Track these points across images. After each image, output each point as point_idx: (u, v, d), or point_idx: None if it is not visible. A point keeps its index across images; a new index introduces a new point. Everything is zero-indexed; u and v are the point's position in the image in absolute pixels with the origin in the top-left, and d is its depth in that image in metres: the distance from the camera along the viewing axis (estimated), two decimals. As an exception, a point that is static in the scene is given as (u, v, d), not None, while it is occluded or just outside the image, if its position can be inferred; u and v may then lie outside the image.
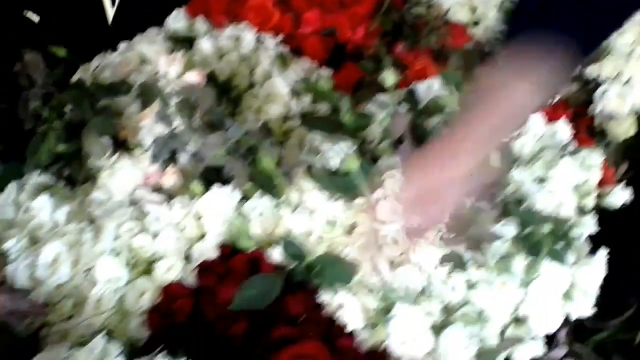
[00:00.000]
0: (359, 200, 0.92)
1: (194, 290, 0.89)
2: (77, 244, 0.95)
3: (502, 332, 0.92)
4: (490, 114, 0.76)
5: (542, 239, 0.83)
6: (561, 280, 0.89)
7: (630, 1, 0.77)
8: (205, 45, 1.17)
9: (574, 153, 0.99)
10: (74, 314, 0.93)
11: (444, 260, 0.87)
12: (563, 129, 1.03)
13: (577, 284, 0.94)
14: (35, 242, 0.96)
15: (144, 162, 1.01)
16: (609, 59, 1.18)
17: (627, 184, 1.04)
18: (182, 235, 0.94)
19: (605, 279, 0.96)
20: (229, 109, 1.10)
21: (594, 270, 0.94)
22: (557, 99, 1.12)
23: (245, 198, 0.96)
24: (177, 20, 1.23)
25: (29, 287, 0.93)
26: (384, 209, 0.91)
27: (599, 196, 1.01)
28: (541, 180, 0.96)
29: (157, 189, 1.01)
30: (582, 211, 0.98)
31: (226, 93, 1.11)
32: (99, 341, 0.80)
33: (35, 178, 1.04)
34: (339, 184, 0.90)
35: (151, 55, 1.15)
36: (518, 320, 0.93)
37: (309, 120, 1.02)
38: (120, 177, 1.01)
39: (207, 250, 0.93)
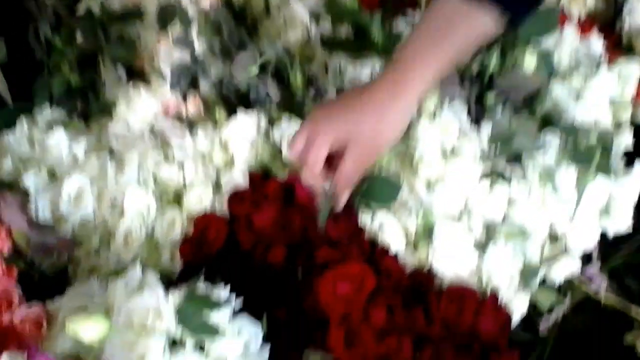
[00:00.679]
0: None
1: (227, 219, 0.86)
2: (99, 177, 0.91)
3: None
4: None
5: (592, 148, 0.80)
6: (604, 194, 0.87)
7: None
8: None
9: (610, 65, 0.96)
10: (101, 249, 0.91)
11: (485, 176, 0.85)
12: (596, 43, 1.00)
13: (614, 198, 0.92)
14: (54, 177, 0.93)
15: (163, 91, 0.97)
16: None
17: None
18: (209, 164, 0.91)
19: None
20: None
21: (631, 184, 0.92)
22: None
23: (271, 124, 0.93)
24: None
25: (52, 224, 0.90)
26: (419, 129, 0.88)
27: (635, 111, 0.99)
28: (578, 95, 0.94)
29: (178, 118, 0.97)
30: (618, 125, 0.96)
31: (242, 20, 1.06)
32: (136, 271, 0.77)
33: (48, 113, 1.00)
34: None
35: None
36: (556, 237, 0.92)
37: (334, 43, 0.97)
38: (139, 108, 0.97)
39: (236, 178, 0.90)
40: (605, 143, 0.83)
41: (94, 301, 0.72)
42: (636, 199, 0.94)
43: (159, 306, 0.72)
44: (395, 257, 0.82)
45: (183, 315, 0.70)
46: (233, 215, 0.86)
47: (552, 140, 0.85)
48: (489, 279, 0.84)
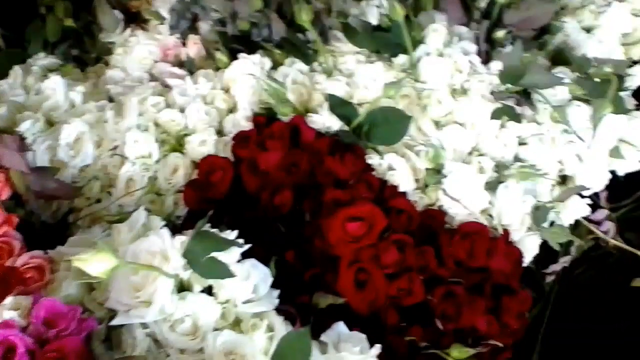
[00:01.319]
0: (400, 59, 0.87)
1: (232, 162, 0.84)
2: (98, 122, 0.89)
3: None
4: None
5: (605, 81, 0.78)
6: (616, 132, 0.86)
7: None
8: None
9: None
10: (103, 197, 0.88)
11: (495, 115, 0.83)
12: (607, -23, 0.97)
13: (625, 138, 0.90)
14: (52, 124, 0.90)
15: (162, 34, 0.94)
16: None
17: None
18: (211, 108, 0.89)
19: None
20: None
21: (642, 123, 0.91)
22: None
23: (274, 68, 0.91)
24: None
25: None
26: (427, 67, 0.86)
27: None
28: (589, 30, 0.91)
29: (178, 62, 0.94)
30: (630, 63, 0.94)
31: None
32: (140, 214, 0.75)
33: (42, 59, 0.97)
34: (380, 40, 0.84)
35: None
36: (565, 179, 0.90)
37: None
38: (137, 52, 0.94)
39: (240, 122, 0.87)
40: (619, 75, 0.81)
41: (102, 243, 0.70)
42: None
43: (165, 249, 0.70)
44: (405, 195, 0.80)
45: (190, 257, 0.68)
46: (238, 159, 0.84)
47: (564, 76, 0.83)
48: (500, 219, 0.82)
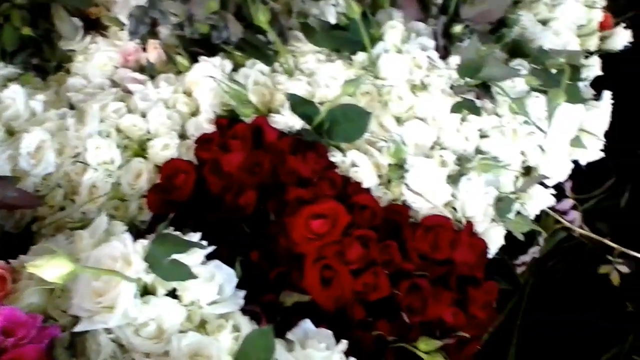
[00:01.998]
0: (359, 57, 0.87)
1: (195, 165, 0.83)
2: (59, 130, 0.88)
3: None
4: None
5: (561, 71, 0.79)
6: (574, 121, 0.87)
7: None
8: None
9: (576, -9, 0.95)
10: (66, 205, 0.88)
11: (455, 108, 0.83)
12: (561, -31, 0.99)
13: (585, 127, 0.92)
14: (12, 133, 0.89)
15: (122, 39, 0.94)
16: None
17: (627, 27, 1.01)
18: (173, 112, 0.88)
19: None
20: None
21: (601, 112, 0.92)
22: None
23: (235, 70, 0.91)
24: None
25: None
26: (387, 63, 0.86)
27: (601, 40, 0.98)
28: (544, 23, 0.93)
29: (139, 68, 0.94)
30: (586, 54, 0.95)
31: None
32: (102, 220, 0.74)
33: (1, 69, 0.95)
34: (339, 39, 0.84)
35: None
36: (529, 170, 0.91)
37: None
38: (97, 59, 0.94)
39: (202, 124, 0.87)
40: (574, 65, 0.82)
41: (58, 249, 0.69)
42: (606, 126, 0.94)
43: (127, 253, 0.69)
44: (369, 191, 0.80)
45: (152, 260, 0.68)
46: (201, 161, 0.84)
47: (521, 68, 0.84)
48: (463, 212, 0.83)
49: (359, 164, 0.82)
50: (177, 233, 0.73)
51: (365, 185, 0.81)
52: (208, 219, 0.81)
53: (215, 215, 0.81)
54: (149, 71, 0.93)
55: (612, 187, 1.20)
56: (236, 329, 0.69)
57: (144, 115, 0.88)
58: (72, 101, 0.92)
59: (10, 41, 0.91)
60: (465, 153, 0.85)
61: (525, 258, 1.05)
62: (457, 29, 0.87)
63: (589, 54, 0.96)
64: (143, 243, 0.70)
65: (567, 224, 0.98)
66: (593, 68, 0.94)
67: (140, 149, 0.87)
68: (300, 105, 0.83)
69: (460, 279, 0.78)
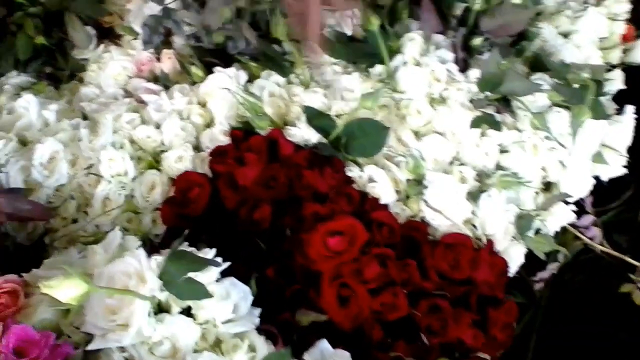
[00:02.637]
0: (377, 69, 0.86)
1: (210, 178, 0.82)
2: (72, 141, 0.87)
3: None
4: None
5: (584, 87, 0.77)
6: (596, 137, 0.85)
7: None
8: None
9: (598, 3, 0.93)
10: (79, 217, 0.86)
11: (475, 123, 0.82)
12: (583, -19, 0.97)
13: (607, 143, 0.90)
14: (25, 143, 0.89)
15: (135, 49, 0.93)
16: None
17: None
18: (187, 123, 0.87)
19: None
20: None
21: (623, 127, 0.90)
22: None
23: (250, 81, 0.89)
24: None
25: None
26: (405, 77, 0.85)
27: (623, 52, 0.96)
28: (566, 35, 0.91)
29: (153, 78, 0.93)
30: (608, 67, 0.93)
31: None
32: (116, 234, 0.73)
33: (14, 78, 0.95)
34: (356, 51, 0.83)
35: None
36: (549, 186, 0.90)
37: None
38: (111, 68, 0.93)
39: (217, 136, 0.86)
40: (597, 80, 0.80)
41: (72, 268, 0.68)
42: (629, 142, 0.92)
43: (141, 270, 0.68)
44: (387, 207, 0.79)
45: (167, 278, 0.66)
46: (215, 174, 0.82)
47: (542, 83, 0.82)
48: (483, 229, 0.81)
49: (377, 179, 0.80)
50: (192, 249, 0.72)
51: (383, 201, 0.80)
52: (223, 234, 0.80)
53: (230, 230, 0.79)
54: (163, 81, 0.91)
55: (631, 199, 1.19)
56: (252, 348, 0.68)
57: (158, 127, 0.87)
58: (85, 111, 0.91)
59: (23, 50, 0.90)
60: (485, 169, 0.83)
61: (544, 275, 1.03)
62: (477, 41, 0.86)
63: (611, 67, 0.94)
64: (157, 259, 0.69)
65: (588, 241, 0.96)
66: (615, 82, 0.92)
67: (154, 161, 0.86)
68: (316, 118, 0.81)
69: (480, 299, 0.77)
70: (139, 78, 0.92)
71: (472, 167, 0.83)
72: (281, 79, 0.88)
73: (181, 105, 0.88)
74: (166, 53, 0.91)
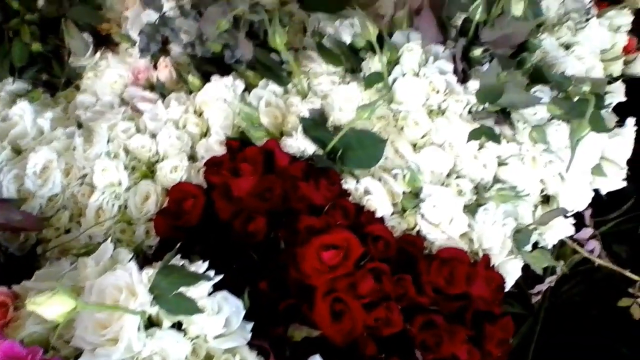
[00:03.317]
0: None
1: (205, 189, 0.81)
2: (67, 150, 0.86)
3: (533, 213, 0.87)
4: None
5: (584, 100, 0.76)
6: (596, 150, 0.84)
7: None
8: None
9: (601, 14, 0.92)
10: (72, 227, 0.86)
11: (474, 135, 0.80)
12: (585, -7, 0.96)
13: (607, 155, 0.89)
14: (19, 152, 0.88)
15: (132, 57, 0.92)
16: None
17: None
18: (183, 133, 0.86)
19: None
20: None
21: (624, 140, 0.89)
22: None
23: (247, 90, 0.88)
24: None
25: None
26: (403, 88, 0.84)
27: (624, 64, 0.95)
28: (567, 47, 0.90)
29: (149, 86, 0.92)
30: (609, 79, 0.92)
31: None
32: (107, 247, 0.72)
33: (10, 85, 0.94)
34: (355, 59, 0.82)
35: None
36: (548, 199, 0.88)
37: (311, 1, 0.92)
38: (107, 76, 0.92)
39: (213, 146, 0.85)
40: (598, 93, 0.79)
41: (62, 281, 0.67)
42: (629, 154, 0.91)
43: (132, 284, 0.67)
44: (382, 221, 0.78)
45: (157, 292, 0.65)
46: (210, 185, 0.82)
47: (543, 95, 0.81)
48: (480, 244, 0.80)
49: (373, 192, 0.79)
50: (185, 261, 0.71)
51: (379, 214, 0.79)
52: (217, 246, 0.79)
53: (224, 241, 0.78)
54: (160, 90, 0.90)
55: (630, 210, 1.17)
56: (243, 364, 0.67)
57: (153, 136, 0.86)
58: (80, 119, 0.90)
59: (19, 57, 0.90)
60: (483, 181, 0.82)
61: (542, 287, 1.01)
62: (477, 52, 0.85)
63: (612, 79, 0.92)
64: (148, 273, 0.68)
65: (587, 254, 0.95)
66: (616, 94, 0.91)
67: (149, 171, 0.85)
68: (313, 128, 0.80)
69: (475, 314, 0.76)
70: (136, 86, 0.91)
71: (469, 180, 0.82)
72: (278, 89, 0.87)
73: (177, 114, 0.87)
74: (163, 61, 0.90)
